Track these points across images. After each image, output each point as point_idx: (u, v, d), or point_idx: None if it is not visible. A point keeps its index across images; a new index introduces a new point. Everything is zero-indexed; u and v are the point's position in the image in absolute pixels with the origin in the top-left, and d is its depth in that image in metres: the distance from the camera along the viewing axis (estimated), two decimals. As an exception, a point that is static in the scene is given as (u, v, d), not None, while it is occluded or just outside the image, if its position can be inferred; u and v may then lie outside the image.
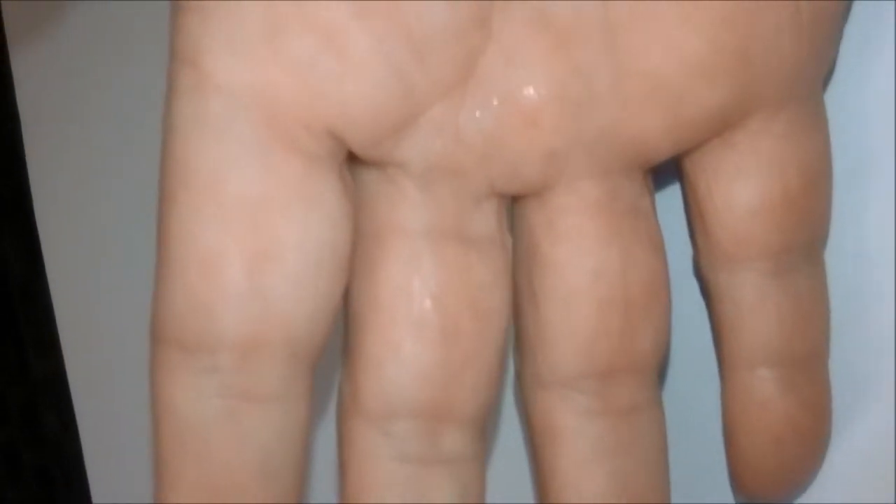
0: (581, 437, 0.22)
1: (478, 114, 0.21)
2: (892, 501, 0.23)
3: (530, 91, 0.21)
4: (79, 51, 0.33)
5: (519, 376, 0.23)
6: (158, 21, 0.31)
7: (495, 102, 0.21)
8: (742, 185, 0.22)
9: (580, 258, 0.22)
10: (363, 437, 0.22)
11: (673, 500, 0.24)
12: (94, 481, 0.33)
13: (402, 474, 0.21)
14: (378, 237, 0.21)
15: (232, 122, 0.20)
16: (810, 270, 0.22)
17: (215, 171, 0.20)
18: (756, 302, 0.22)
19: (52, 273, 0.33)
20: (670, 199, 0.24)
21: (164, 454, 0.20)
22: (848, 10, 0.23)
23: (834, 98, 0.24)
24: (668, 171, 0.23)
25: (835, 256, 0.23)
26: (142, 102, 0.32)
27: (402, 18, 0.20)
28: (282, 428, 0.20)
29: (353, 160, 0.21)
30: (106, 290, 0.33)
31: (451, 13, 0.20)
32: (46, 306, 0.33)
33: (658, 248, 0.22)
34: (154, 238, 0.21)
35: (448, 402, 0.21)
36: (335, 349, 0.22)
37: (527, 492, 0.26)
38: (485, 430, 0.22)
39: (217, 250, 0.20)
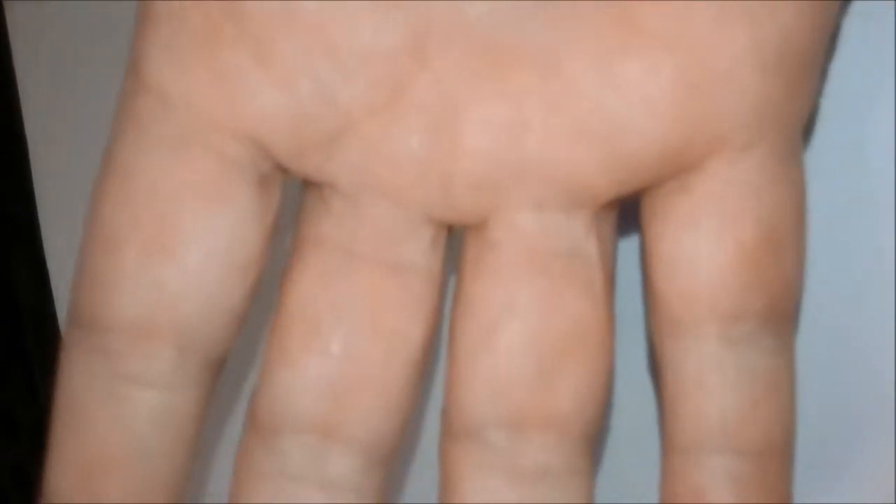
0: (480, 497, 0.21)
1: (409, 138, 0.21)
2: (893, 502, 0.22)
3: (460, 118, 0.21)
4: (88, 73, 0.33)
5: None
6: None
7: (426, 128, 0.21)
8: (692, 234, 0.20)
9: (496, 291, 0.21)
10: (252, 448, 0.21)
11: None
12: None
13: (284, 492, 0.21)
14: (298, 249, 0.22)
15: (155, 120, 0.21)
16: (770, 347, 0.20)
17: (131, 163, 0.21)
18: (699, 374, 0.20)
19: (59, 296, 0.33)
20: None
21: (53, 428, 0.21)
22: (827, 47, 0.21)
23: (833, 100, 0.23)
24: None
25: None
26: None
27: (329, 35, 0.20)
28: (162, 417, 0.21)
29: (305, 183, 0.22)
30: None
31: (381, 37, 0.20)
32: (55, 329, 0.33)
33: (595, 296, 0.21)
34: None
35: (337, 421, 0.21)
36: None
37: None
38: (383, 462, 0.21)
39: (117, 235, 0.21)
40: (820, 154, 0.24)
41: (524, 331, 0.21)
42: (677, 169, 0.20)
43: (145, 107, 0.21)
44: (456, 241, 0.22)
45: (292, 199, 0.23)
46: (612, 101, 0.20)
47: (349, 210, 0.21)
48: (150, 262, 0.21)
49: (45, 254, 0.33)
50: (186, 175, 0.21)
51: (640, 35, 0.20)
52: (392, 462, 0.22)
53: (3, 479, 0.33)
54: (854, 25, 0.23)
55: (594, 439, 0.21)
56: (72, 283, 0.21)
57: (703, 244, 0.20)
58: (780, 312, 0.21)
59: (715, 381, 0.20)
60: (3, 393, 0.33)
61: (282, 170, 0.21)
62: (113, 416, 0.21)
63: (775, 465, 0.21)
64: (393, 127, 0.21)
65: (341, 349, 0.21)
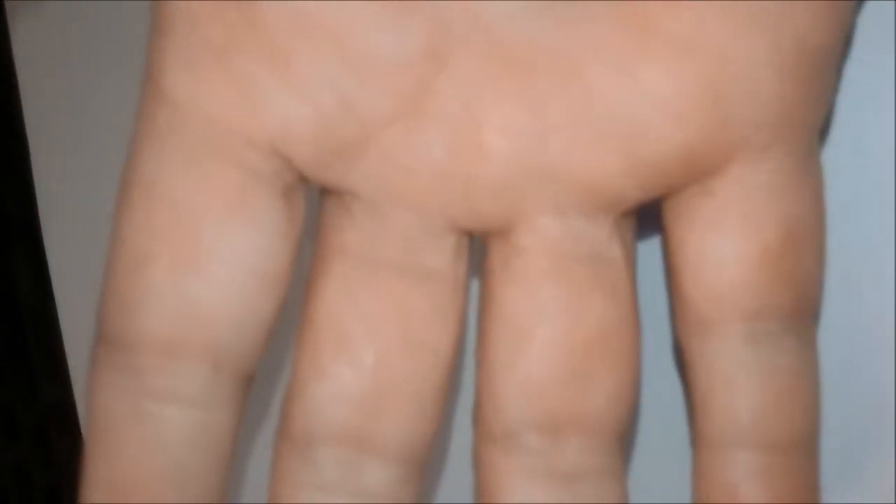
0: (518, 499, 0.21)
1: (430, 145, 0.20)
2: (893, 501, 0.23)
3: (480, 124, 0.20)
4: (89, 72, 0.33)
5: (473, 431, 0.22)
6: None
7: (447, 134, 0.20)
8: (716, 236, 0.20)
9: (526, 297, 0.21)
10: (287, 460, 0.21)
11: None
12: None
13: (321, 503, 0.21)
14: (321, 259, 0.21)
15: (174, 131, 0.20)
16: (794, 344, 0.21)
17: (151, 176, 0.20)
18: (728, 373, 0.21)
19: (60, 295, 0.33)
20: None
21: (86, 447, 0.21)
22: (842, 52, 0.22)
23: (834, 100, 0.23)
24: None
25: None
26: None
27: (345, 42, 0.20)
28: (196, 435, 0.21)
29: (325, 191, 0.22)
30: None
31: (399, 44, 0.20)
32: (55, 329, 0.33)
33: (621, 299, 0.21)
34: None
35: (371, 432, 0.21)
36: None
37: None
38: (417, 471, 0.21)
39: (143, 251, 0.20)
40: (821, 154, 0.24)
41: (556, 335, 0.21)
42: (699, 173, 0.21)
43: (164, 117, 0.21)
44: (476, 248, 0.22)
45: (312, 206, 0.23)
46: (634, 105, 0.20)
47: (371, 218, 0.21)
48: (178, 279, 0.20)
49: (45, 253, 0.33)
50: (210, 188, 0.20)
51: (657, 39, 0.20)
52: (426, 470, 0.22)
53: (3, 479, 0.33)
54: (854, 29, 0.23)
55: (626, 439, 0.22)
56: (100, 302, 0.21)
57: (728, 245, 0.20)
58: (803, 310, 0.21)
59: (743, 378, 0.21)
60: (3, 393, 0.33)
61: (304, 179, 0.21)
62: (146, 435, 0.20)
63: (803, 458, 0.21)
64: (413, 134, 0.20)
65: (373, 360, 0.21)
